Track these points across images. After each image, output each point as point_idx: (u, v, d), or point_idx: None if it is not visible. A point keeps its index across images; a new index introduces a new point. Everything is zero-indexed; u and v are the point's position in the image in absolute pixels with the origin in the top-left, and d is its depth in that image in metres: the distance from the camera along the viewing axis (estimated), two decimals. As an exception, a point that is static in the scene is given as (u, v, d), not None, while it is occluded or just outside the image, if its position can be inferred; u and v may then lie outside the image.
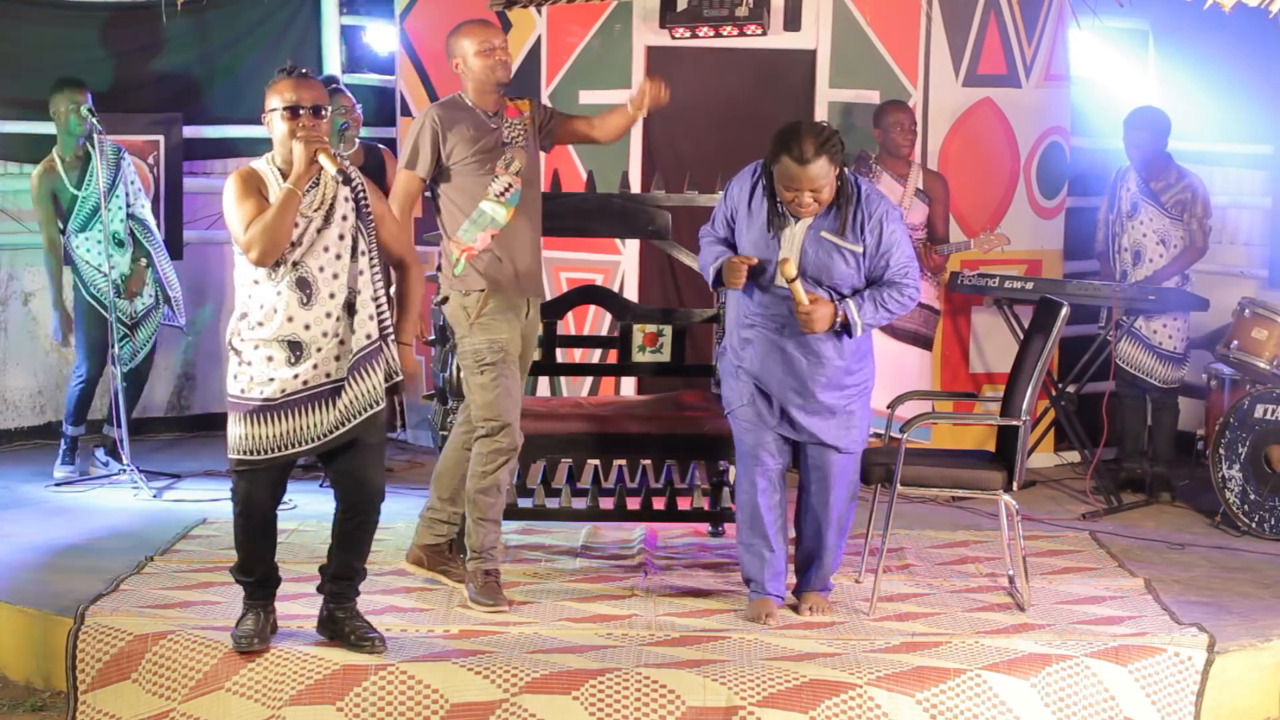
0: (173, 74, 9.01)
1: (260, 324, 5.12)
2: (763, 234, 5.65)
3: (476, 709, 5.02)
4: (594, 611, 5.77)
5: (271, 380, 5.11)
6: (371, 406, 5.19)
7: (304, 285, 5.11)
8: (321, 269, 5.12)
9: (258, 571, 5.31)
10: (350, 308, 5.16)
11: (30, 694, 5.57)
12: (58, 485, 7.71)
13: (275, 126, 5.11)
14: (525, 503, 6.62)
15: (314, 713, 5.07)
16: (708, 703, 4.99)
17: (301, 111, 5.06)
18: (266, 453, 5.15)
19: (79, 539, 6.74)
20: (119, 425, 7.75)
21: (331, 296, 5.13)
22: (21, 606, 5.75)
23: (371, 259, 5.21)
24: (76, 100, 7.72)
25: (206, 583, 6.01)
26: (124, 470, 7.70)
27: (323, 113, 5.12)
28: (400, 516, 7.11)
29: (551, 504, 6.62)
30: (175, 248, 8.81)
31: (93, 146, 7.68)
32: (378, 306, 5.22)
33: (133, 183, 7.93)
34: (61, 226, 7.80)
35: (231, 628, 5.35)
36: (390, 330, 5.26)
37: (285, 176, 5.09)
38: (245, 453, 5.17)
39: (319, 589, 5.39)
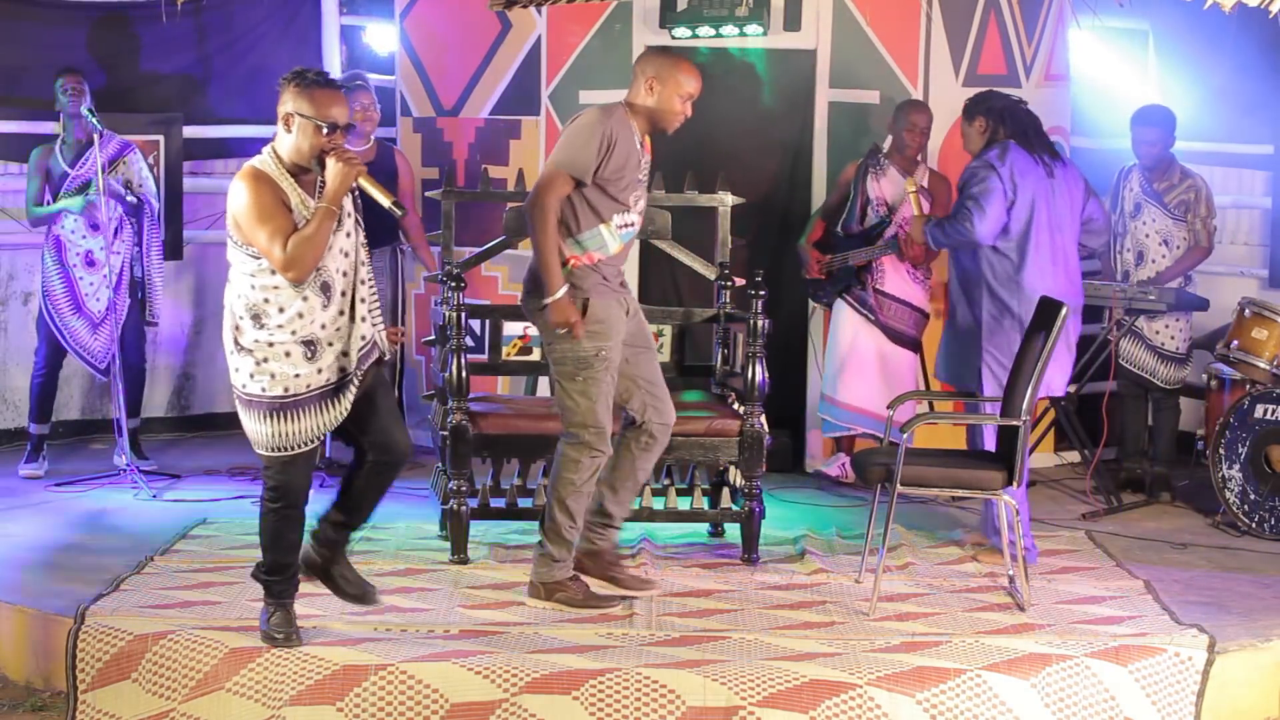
0: (173, 74, 9.01)
1: (280, 327, 5.09)
2: None
3: (476, 709, 5.02)
4: (596, 614, 5.76)
5: (298, 376, 5.10)
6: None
7: (326, 289, 5.12)
8: (338, 270, 5.14)
9: (291, 568, 5.31)
10: (353, 303, 5.19)
11: (30, 694, 5.57)
12: (58, 485, 7.71)
13: (301, 133, 5.04)
14: (525, 502, 6.63)
15: (314, 713, 5.07)
16: (708, 703, 4.99)
17: (337, 129, 5.05)
18: (301, 446, 5.15)
19: (79, 539, 6.73)
20: (119, 423, 7.76)
21: (343, 295, 5.15)
22: (21, 606, 5.75)
23: (364, 250, 5.25)
24: (65, 83, 7.77)
25: (206, 583, 6.01)
26: (124, 470, 7.71)
27: (348, 129, 5.14)
28: (400, 516, 7.12)
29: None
30: (175, 248, 8.82)
31: (95, 135, 7.69)
32: (372, 295, 5.28)
33: (144, 175, 7.94)
34: (49, 200, 7.86)
35: (230, 627, 5.38)
36: (380, 322, 5.33)
37: (293, 174, 5.07)
38: (279, 449, 5.15)
39: (312, 533, 5.37)
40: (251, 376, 5.12)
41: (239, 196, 5.03)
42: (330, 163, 5.03)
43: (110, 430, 8.13)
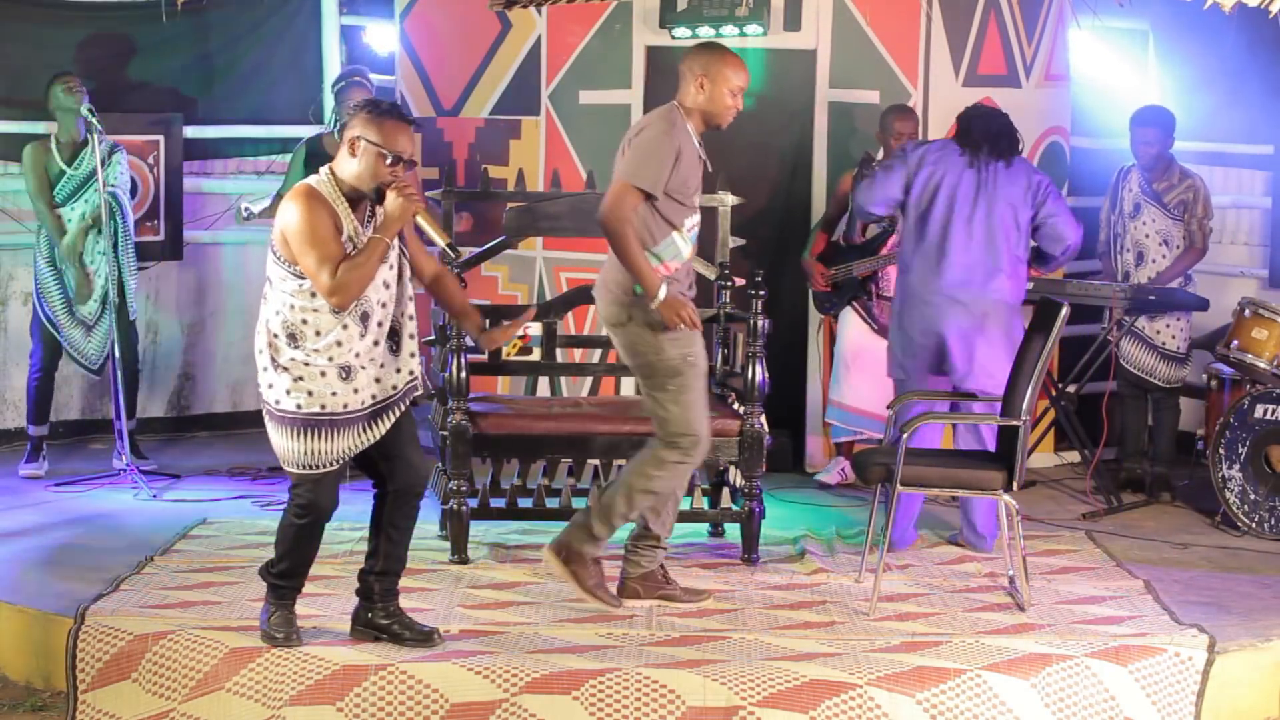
0: (173, 73, 9.01)
1: (316, 351, 5.06)
2: None
3: (476, 709, 5.02)
4: (594, 611, 5.76)
5: (335, 394, 5.09)
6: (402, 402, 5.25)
7: (365, 319, 5.10)
8: (378, 300, 5.12)
9: (301, 577, 5.32)
10: (395, 334, 5.18)
11: (30, 694, 5.57)
12: (58, 485, 7.71)
13: (365, 159, 5.02)
14: (525, 503, 6.63)
15: (314, 713, 5.07)
16: (708, 703, 4.99)
17: (401, 162, 5.03)
18: (330, 465, 5.15)
19: (79, 539, 6.73)
20: (118, 422, 7.75)
21: (380, 325, 5.14)
22: (21, 606, 5.75)
23: (402, 282, 5.22)
24: (69, 84, 7.77)
25: (206, 583, 6.01)
26: (124, 471, 7.70)
27: (411, 165, 5.11)
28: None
29: (551, 504, 6.63)
30: (175, 248, 8.82)
31: (91, 134, 7.69)
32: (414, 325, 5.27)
33: (121, 174, 7.93)
34: (51, 198, 7.86)
35: (230, 627, 5.38)
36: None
37: (349, 199, 5.04)
38: (309, 466, 5.14)
39: (359, 591, 5.40)
40: (287, 393, 5.09)
41: (291, 214, 4.99)
42: (390, 196, 5.01)
43: (110, 430, 8.12)
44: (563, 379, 8.32)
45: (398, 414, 5.21)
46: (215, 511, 7.21)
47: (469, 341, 6.57)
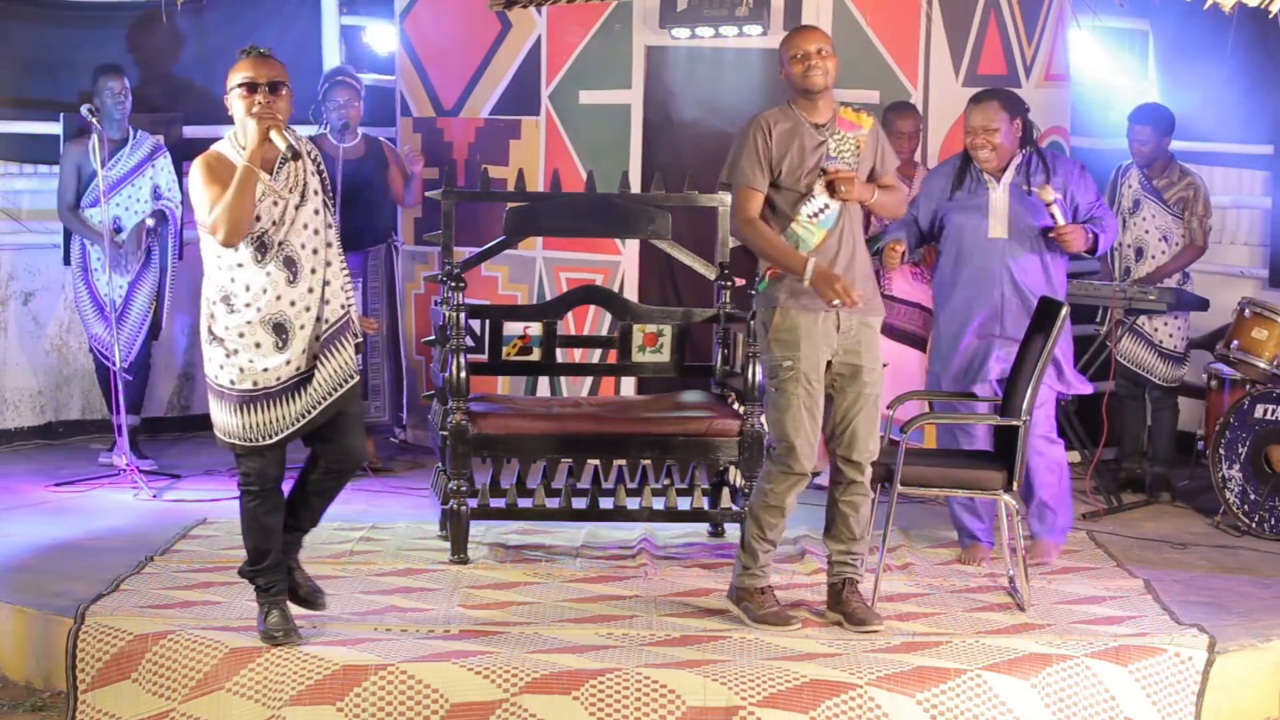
0: (173, 74, 9.01)
1: (248, 305, 5.10)
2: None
3: (476, 709, 5.02)
4: (594, 611, 5.77)
5: (266, 370, 5.12)
6: (350, 379, 5.23)
7: (290, 264, 5.12)
8: (303, 245, 5.14)
9: (271, 557, 5.30)
10: (325, 281, 5.19)
11: (30, 694, 5.57)
12: (58, 485, 7.71)
13: (235, 105, 5.14)
14: (525, 503, 6.62)
15: (314, 713, 5.07)
16: (708, 703, 4.99)
17: (257, 87, 5.08)
18: (270, 437, 5.17)
19: (79, 539, 6.73)
20: (118, 424, 7.76)
21: (313, 272, 5.16)
22: (21, 606, 5.75)
23: (331, 229, 5.25)
24: (113, 85, 7.83)
25: (206, 583, 6.01)
26: (123, 470, 7.71)
27: (280, 90, 5.12)
28: (401, 516, 7.12)
29: (551, 504, 6.63)
30: (176, 248, 8.82)
31: (131, 135, 7.76)
32: (346, 277, 5.30)
33: (171, 185, 7.99)
34: (76, 201, 7.91)
35: (230, 628, 5.39)
36: (353, 301, 5.35)
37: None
38: (248, 439, 5.18)
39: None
40: (221, 368, 5.15)
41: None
42: (247, 121, 5.07)
43: (110, 430, 8.12)
44: (563, 379, 8.32)
45: (333, 373, 5.18)
46: (215, 511, 7.21)
47: (469, 342, 6.59)
